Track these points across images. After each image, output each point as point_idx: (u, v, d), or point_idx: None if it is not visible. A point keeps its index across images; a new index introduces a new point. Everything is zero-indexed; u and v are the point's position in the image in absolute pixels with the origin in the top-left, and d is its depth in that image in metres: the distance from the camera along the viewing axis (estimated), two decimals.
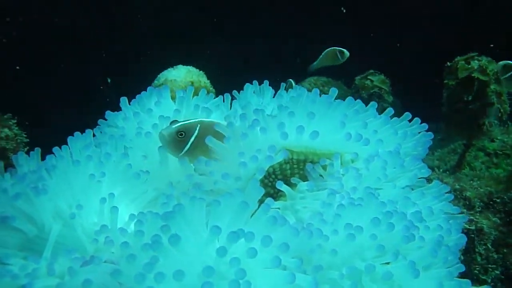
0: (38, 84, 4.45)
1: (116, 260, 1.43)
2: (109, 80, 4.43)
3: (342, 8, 5.23)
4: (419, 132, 1.98)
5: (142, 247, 1.25)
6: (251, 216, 1.38)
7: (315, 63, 4.30)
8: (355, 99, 1.97)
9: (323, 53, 4.17)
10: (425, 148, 1.93)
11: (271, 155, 1.66)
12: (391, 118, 1.95)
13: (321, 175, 1.74)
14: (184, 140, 1.73)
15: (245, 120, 1.76)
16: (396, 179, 1.71)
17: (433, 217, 1.67)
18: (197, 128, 1.75)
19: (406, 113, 1.96)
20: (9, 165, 2.04)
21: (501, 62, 3.21)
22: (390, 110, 1.93)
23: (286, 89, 3.63)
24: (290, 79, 3.95)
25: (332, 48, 4.18)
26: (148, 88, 2.08)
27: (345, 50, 4.18)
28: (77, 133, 1.79)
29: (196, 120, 1.80)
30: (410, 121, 1.99)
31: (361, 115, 1.81)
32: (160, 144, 1.79)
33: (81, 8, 4.68)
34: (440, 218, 1.66)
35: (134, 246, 1.31)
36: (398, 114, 2.14)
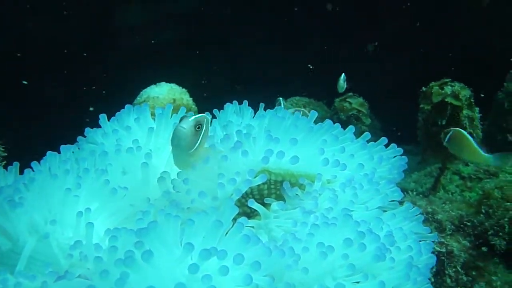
0: (18, 100, 4.42)
1: (90, 276, 1.43)
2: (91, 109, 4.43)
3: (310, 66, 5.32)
4: (395, 156, 2.06)
5: (115, 262, 1.26)
6: (225, 235, 1.42)
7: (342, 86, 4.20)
8: (334, 121, 2.03)
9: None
10: (400, 172, 1.98)
11: (249, 179, 1.69)
12: (368, 142, 2.02)
13: (297, 194, 1.78)
14: (198, 134, 1.72)
15: (228, 141, 1.79)
16: (369, 202, 1.76)
17: (404, 238, 1.72)
18: (205, 123, 1.75)
19: (383, 138, 2.02)
20: None
21: None
22: (367, 135, 2.00)
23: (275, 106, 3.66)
24: (280, 98, 3.95)
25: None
26: (126, 105, 2.11)
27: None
28: (53, 152, 1.80)
29: (202, 114, 1.79)
30: (386, 145, 2.04)
31: (340, 139, 1.87)
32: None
33: (64, 24, 4.71)
34: (411, 239, 1.71)
35: (107, 261, 1.32)
36: (377, 136, 2.19)
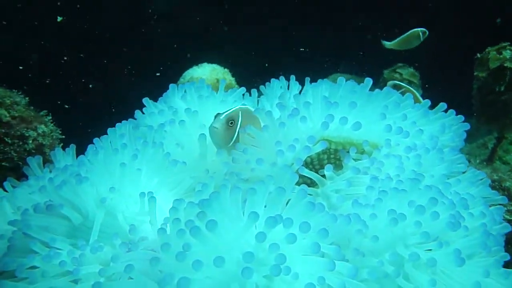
0: (68, 85, 4.53)
1: (156, 247, 1.44)
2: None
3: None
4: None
5: (179, 234, 1.22)
6: (287, 204, 1.38)
7: (392, 42, 3.74)
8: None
9: (406, 34, 3.67)
10: (462, 139, 1.86)
11: (309, 146, 1.60)
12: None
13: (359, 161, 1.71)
14: (233, 128, 1.74)
15: (284, 109, 1.72)
16: (434, 169, 1.65)
17: (475, 203, 1.59)
18: (240, 115, 1.76)
19: (442, 103, 1.90)
20: (46, 161, 2.10)
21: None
22: (427, 102, 1.88)
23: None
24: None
25: (415, 30, 3.66)
26: (171, 85, 2.08)
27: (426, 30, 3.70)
28: (113, 128, 1.81)
29: (236, 107, 1.80)
30: (445, 111, 1.92)
31: (401, 106, 1.75)
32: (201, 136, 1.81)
33: (101, 11, 4.75)
34: (482, 204, 1.60)
35: (172, 233, 1.30)
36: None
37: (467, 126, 1.88)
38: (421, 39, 3.60)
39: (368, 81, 1.89)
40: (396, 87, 2.76)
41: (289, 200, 1.36)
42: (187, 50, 4.78)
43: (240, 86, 3.87)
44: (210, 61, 3.86)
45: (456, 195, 1.51)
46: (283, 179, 1.40)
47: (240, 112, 1.78)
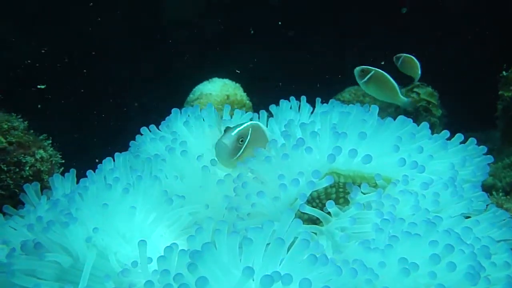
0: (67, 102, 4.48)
1: None
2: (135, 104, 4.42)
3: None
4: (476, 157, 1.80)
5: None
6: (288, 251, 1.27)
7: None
8: (400, 112, 1.82)
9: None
10: (485, 173, 1.74)
11: (313, 181, 1.51)
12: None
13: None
14: (241, 146, 1.69)
15: (289, 138, 1.63)
16: (452, 208, 1.54)
17: (497, 248, 1.47)
18: (250, 132, 1.71)
19: (459, 134, 1.80)
20: (44, 187, 2.04)
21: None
22: (446, 133, 1.76)
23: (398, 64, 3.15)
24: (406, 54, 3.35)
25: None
26: (173, 110, 2.03)
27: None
28: (109, 159, 1.74)
29: (248, 123, 1.75)
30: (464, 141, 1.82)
31: (416, 137, 1.65)
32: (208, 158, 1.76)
33: (110, 19, 4.71)
34: (505, 250, 1.46)
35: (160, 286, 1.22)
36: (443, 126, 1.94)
37: (490, 159, 1.75)
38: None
39: (374, 109, 1.79)
40: (364, 72, 2.70)
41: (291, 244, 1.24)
42: (205, 59, 4.71)
43: (252, 101, 3.81)
44: (226, 73, 3.78)
45: (476, 241, 1.37)
46: (284, 225, 1.29)
47: (250, 129, 1.73)
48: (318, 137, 1.62)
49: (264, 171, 1.62)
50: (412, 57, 2.91)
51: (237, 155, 1.67)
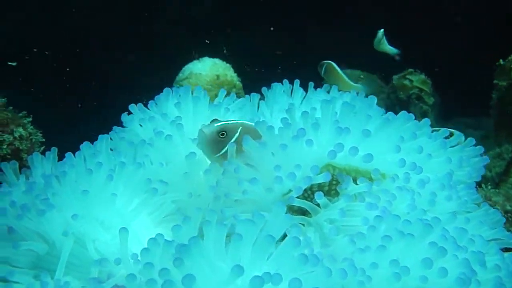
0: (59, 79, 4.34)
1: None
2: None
3: None
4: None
5: (150, 285, 1.10)
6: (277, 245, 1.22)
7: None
8: (392, 100, 1.76)
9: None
10: (479, 175, 1.73)
11: (311, 176, 1.46)
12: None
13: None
14: (224, 141, 1.61)
15: (289, 127, 1.55)
16: (446, 207, 1.51)
17: (488, 249, 1.44)
18: (239, 131, 1.63)
19: (459, 133, 1.81)
20: (23, 167, 1.94)
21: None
22: (444, 131, 1.73)
23: (322, 72, 3.28)
24: (328, 61, 3.46)
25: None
26: (165, 89, 1.91)
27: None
28: (88, 143, 1.65)
29: (238, 122, 1.67)
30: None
31: (418, 137, 1.61)
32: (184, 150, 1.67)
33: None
34: (495, 252, 1.44)
35: (141, 283, 1.16)
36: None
37: (486, 160, 1.75)
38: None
39: (372, 100, 1.75)
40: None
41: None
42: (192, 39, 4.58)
43: (244, 82, 3.71)
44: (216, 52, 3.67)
45: (470, 243, 1.33)
46: (275, 219, 1.23)
47: (240, 128, 1.64)
48: (319, 130, 1.55)
49: (259, 157, 1.56)
50: (333, 63, 3.24)
51: (221, 152, 1.61)
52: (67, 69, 4.24)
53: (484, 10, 4.73)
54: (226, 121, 1.69)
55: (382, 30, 3.40)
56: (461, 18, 4.73)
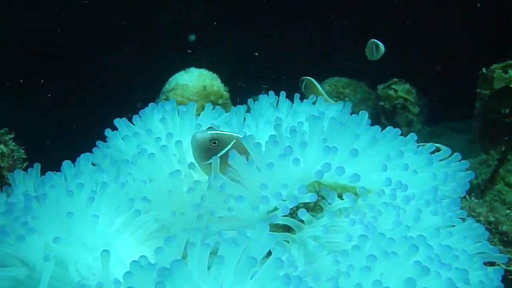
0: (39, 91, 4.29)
1: None
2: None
3: None
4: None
5: None
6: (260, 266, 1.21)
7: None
8: (378, 109, 1.76)
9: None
10: (464, 190, 1.74)
11: (297, 196, 1.47)
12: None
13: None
14: (215, 150, 1.60)
15: (276, 145, 1.53)
16: (430, 223, 1.51)
17: (472, 263, 1.47)
18: (231, 144, 1.62)
19: (446, 149, 1.80)
20: (5, 184, 1.91)
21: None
22: (431, 146, 1.75)
23: (302, 88, 3.39)
24: (305, 78, 3.50)
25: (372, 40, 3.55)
26: (150, 104, 1.90)
27: (380, 44, 3.50)
28: (69, 162, 1.63)
29: (234, 134, 1.66)
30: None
31: (404, 155, 1.62)
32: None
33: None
34: (480, 268, 1.45)
35: None
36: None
37: (471, 175, 1.77)
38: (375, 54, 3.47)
39: (363, 115, 1.76)
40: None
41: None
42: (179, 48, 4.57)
43: (231, 93, 3.70)
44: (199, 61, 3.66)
45: (454, 259, 1.33)
46: (258, 238, 1.22)
47: (234, 141, 1.64)
48: (307, 148, 1.54)
49: (245, 174, 1.54)
50: (312, 79, 3.39)
51: (209, 161, 1.59)
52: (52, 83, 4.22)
53: (484, 10, 4.78)
54: (222, 130, 1.68)
55: (382, 44, 3.42)
56: (461, 18, 4.76)
